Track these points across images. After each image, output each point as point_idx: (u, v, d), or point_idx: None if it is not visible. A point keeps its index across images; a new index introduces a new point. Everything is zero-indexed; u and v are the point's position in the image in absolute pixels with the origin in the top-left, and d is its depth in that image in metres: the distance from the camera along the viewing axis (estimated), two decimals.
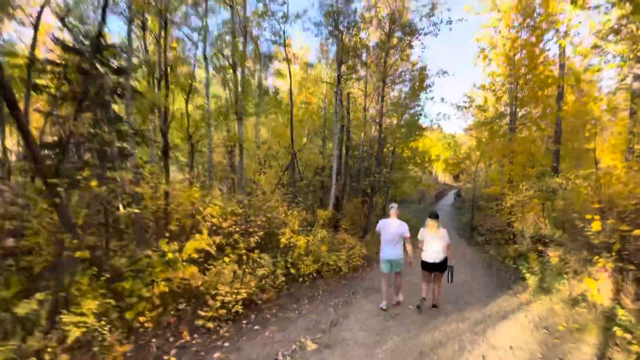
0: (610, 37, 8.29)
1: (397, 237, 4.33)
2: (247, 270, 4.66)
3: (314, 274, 5.99)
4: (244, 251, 4.83)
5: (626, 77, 9.73)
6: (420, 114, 13.87)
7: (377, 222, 4.65)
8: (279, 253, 5.76)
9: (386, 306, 4.45)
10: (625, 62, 9.09)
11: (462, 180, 41.84)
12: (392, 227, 4.38)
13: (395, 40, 10.69)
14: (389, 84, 12.28)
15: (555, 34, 11.58)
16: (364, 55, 10.61)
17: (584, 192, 5.60)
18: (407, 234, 4.34)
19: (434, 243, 4.22)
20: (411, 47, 10.90)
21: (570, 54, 11.60)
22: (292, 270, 5.52)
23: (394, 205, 4.64)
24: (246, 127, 15.29)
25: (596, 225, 4.26)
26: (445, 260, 4.24)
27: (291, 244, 5.82)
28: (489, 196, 16.64)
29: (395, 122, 14.48)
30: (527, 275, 6.99)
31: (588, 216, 4.56)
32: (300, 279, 5.77)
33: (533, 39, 11.99)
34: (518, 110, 13.21)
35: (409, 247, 4.36)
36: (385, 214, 16.43)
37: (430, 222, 4.30)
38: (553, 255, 5.99)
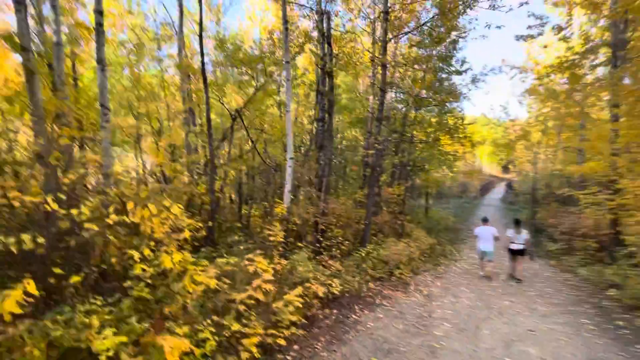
0: None
1: (490, 236, 6.80)
2: None
3: None
4: None
5: None
6: (452, 55, 8.77)
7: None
8: None
9: (484, 273, 6.89)
10: None
11: (512, 171, 34.79)
12: (486, 231, 6.94)
13: None
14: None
15: None
16: None
17: None
18: (497, 234, 6.89)
19: (518, 238, 6.62)
20: None
21: None
22: None
23: (487, 218, 7.46)
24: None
25: None
26: (524, 248, 6.56)
27: None
28: (568, 181, 10.98)
29: (418, 74, 9.42)
30: None
31: None
32: None
33: None
34: (631, 33, 7.65)
35: (496, 240, 6.86)
36: (411, 214, 11.93)
37: (514, 227, 6.80)
38: None
